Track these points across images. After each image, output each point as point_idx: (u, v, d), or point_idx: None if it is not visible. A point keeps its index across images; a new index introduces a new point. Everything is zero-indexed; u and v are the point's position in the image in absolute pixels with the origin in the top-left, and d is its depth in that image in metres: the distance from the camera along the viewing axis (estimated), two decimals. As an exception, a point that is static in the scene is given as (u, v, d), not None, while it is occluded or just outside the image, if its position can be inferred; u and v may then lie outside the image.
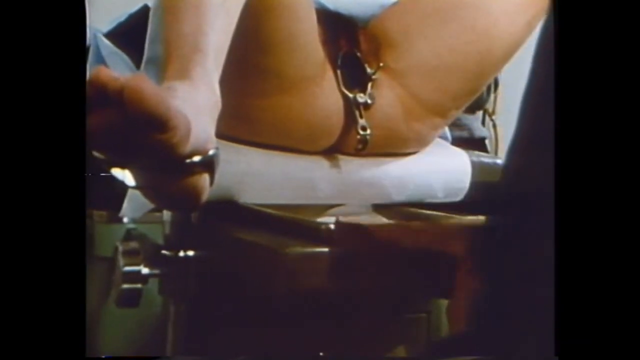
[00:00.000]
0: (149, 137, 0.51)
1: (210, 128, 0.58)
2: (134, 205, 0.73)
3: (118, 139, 0.51)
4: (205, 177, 0.57)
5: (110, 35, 0.88)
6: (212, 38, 0.61)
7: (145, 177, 0.57)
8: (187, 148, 0.55)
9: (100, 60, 0.84)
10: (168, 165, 0.55)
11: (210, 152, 0.57)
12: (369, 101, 0.82)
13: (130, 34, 0.88)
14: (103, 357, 0.68)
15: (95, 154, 0.54)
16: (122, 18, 0.90)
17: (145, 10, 0.91)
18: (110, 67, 0.83)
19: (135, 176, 0.57)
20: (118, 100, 0.49)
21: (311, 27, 0.80)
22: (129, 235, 0.72)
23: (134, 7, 0.90)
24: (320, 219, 0.73)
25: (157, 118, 0.50)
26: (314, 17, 0.80)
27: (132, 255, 0.66)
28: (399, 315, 0.70)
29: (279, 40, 0.76)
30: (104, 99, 0.49)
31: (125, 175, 0.57)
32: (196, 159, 0.56)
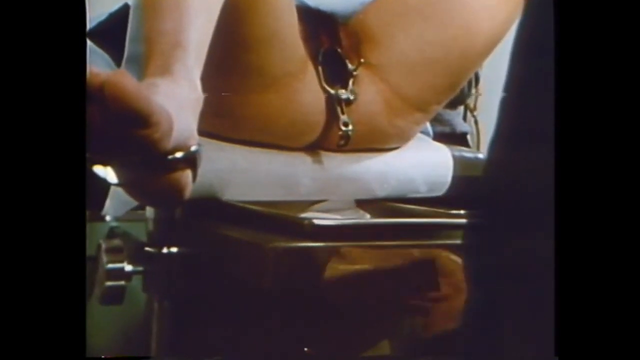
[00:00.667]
0: (130, 132, 0.51)
1: (192, 124, 0.58)
2: (116, 203, 0.73)
3: (100, 136, 0.51)
4: (188, 173, 0.57)
5: (90, 34, 0.87)
6: (192, 35, 0.61)
7: (128, 174, 0.56)
8: (170, 144, 0.55)
9: (81, 58, 0.83)
10: (150, 161, 0.55)
11: (193, 148, 0.57)
12: (351, 97, 0.82)
13: (110, 33, 0.88)
14: (103, 357, 0.68)
15: None
16: (102, 17, 0.89)
17: (125, 9, 0.91)
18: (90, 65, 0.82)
19: (118, 173, 0.57)
20: (99, 96, 0.49)
21: (292, 24, 0.80)
22: (112, 233, 0.72)
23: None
24: (303, 215, 0.73)
25: (138, 113, 0.50)
26: (294, 13, 0.80)
27: (115, 253, 0.66)
28: (384, 310, 0.70)
29: (260, 37, 0.77)
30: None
31: (107, 173, 0.57)
32: (178, 155, 0.56)
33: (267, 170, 0.79)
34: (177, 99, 0.57)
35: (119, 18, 0.89)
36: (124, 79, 0.49)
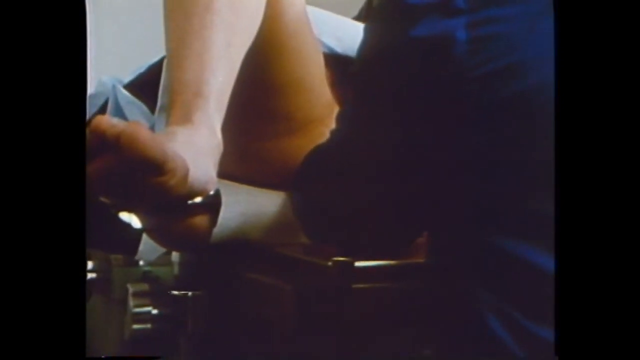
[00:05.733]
0: (146, 180, 0.53)
1: (211, 169, 0.60)
2: (148, 248, 0.75)
3: (119, 184, 0.54)
4: (207, 217, 0.59)
5: (130, 86, 0.91)
6: (213, 84, 0.63)
7: (149, 220, 0.59)
8: (186, 190, 0.57)
9: (119, 110, 0.87)
10: (169, 207, 0.57)
11: (211, 193, 0.59)
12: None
13: (149, 84, 0.92)
14: (103, 357, 0.69)
15: (102, 199, 0.56)
16: (142, 69, 0.94)
17: (163, 60, 0.95)
18: (127, 116, 0.86)
19: (140, 219, 0.59)
20: (116, 146, 0.51)
21: (318, 70, 0.82)
22: (144, 278, 0.74)
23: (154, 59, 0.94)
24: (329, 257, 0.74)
25: (153, 162, 0.52)
26: (321, 59, 0.82)
27: (141, 297, 0.68)
28: (406, 353, 0.70)
29: (286, 83, 0.79)
30: (103, 146, 0.52)
31: (131, 219, 0.59)
32: (197, 200, 0.58)
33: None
34: (195, 146, 0.59)
35: (158, 70, 0.93)
36: (139, 129, 0.51)
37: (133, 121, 0.56)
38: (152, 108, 0.89)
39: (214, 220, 0.60)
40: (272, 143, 0.81)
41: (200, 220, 0.59)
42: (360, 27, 0.95)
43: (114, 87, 0.88)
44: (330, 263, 0.69)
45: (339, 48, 0.88)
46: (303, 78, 0.80)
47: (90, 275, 0.77)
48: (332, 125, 0.88)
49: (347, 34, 0.91)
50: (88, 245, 0.61)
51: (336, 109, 0.87)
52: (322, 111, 0.82)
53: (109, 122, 0.51)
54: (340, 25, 0.91)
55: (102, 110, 0.90)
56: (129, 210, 0.58)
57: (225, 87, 0.65)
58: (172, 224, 0.58)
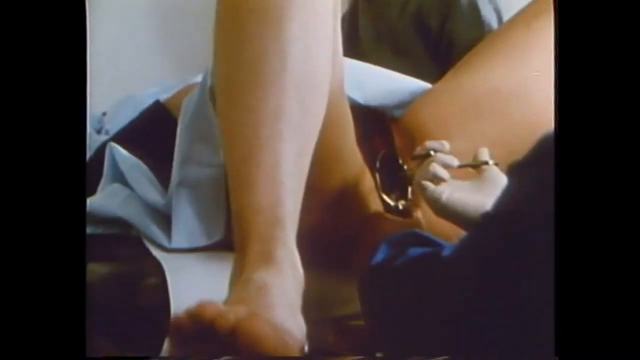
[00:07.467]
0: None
1: (302, 321, 0.53)
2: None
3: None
4: None
5: (123, 136, 0.79)
6: (288, 204, 0.55)
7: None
8: (281, 350, 0.50)
9: (119, 175, 0.76)
10: None
11: (306, 350, 0.52)
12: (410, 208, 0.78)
13: (144, 134, 0.80)
14: (103, 357, 0.65)
15: None
16: (134, 115, 0.82)
17: (157, 107, 0.83)
18: (131, 183, 0.75)
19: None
20: (228, 338, 0.44)
21: (350, 132, 0.75)
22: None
23: (146, 104, 0.82)
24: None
25: (268, 351, 0.45)
26: (351, 119, 0.75)
27: None
28: None
29: (325, 156, 0.71)
30: (209, 334, 0.44)
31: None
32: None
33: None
34: (287, 296, 0.52)
35: (151, 116, 0.82)
36: (257, 324, 0.44)
37: (247, 312, 0.46)
38: (150, 164, 0.78)
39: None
40: (305, 218, 0.73)
41: None
42: (377, 70, 0.88)
43: (110, 147, 0.76)
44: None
45: (361, 99, 0.81)
46: (341, 148, 0.72)
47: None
48: (363, 186, 0.81)
49: (364, 77, 0.83)
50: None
51: (366, 171, 0.80)
52: (354, 173, 0.75)
53: (218, 311, 0.43)
54: (357, 68, 0.83)
55: (94, 168, 0.77)
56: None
57: (298, 200, 0.57)
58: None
